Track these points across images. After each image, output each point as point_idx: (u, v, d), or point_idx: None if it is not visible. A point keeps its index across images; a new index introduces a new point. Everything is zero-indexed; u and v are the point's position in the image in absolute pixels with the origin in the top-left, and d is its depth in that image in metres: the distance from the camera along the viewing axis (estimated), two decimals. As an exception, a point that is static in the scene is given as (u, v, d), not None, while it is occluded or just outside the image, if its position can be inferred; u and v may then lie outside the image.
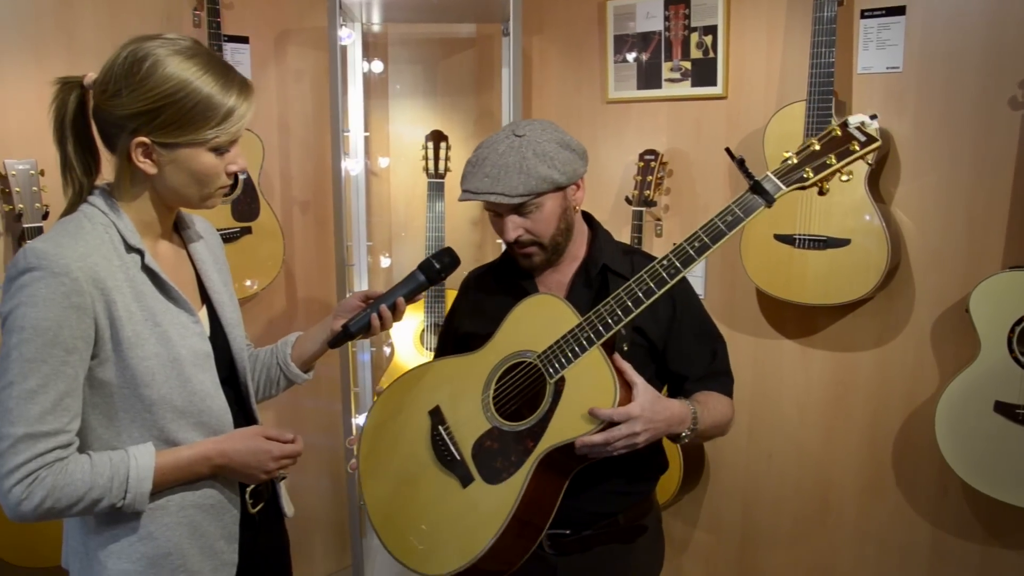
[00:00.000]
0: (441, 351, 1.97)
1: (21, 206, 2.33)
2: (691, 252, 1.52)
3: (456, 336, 1.89)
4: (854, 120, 1.50)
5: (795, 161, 1.52)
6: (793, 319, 2.63)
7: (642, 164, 2.78)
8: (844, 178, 1.52)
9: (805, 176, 1.50)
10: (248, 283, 2.92)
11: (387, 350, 3.30)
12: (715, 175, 2.77)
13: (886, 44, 2.36)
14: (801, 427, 2.66)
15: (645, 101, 2.90)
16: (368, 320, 1.64)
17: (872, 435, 2.51)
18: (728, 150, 1.59)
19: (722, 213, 1.52)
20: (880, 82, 2.38)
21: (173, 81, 1.33)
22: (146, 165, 1.37)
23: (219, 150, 1.39)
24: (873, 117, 1.51)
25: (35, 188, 2.35)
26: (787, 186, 1.51)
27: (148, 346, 1.38)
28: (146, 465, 1.37)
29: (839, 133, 1.50)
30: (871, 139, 1.49)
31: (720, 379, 1.76)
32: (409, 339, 3.10)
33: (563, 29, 3.13)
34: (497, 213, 1.69)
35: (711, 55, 2.69)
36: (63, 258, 1.30)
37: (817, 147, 1.51)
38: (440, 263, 1.69)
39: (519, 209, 1.65)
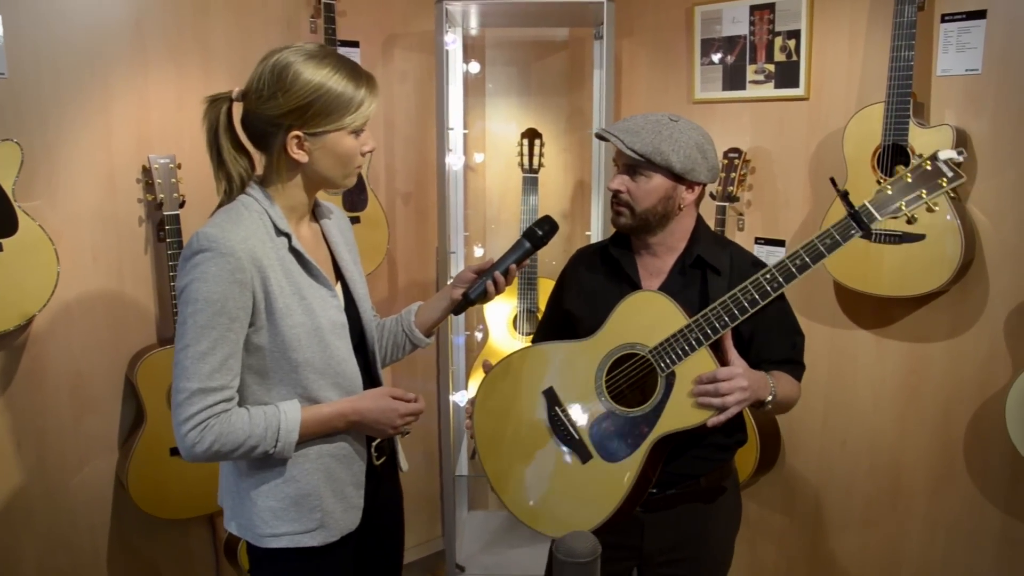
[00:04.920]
0: (546, 317, 2.20)
1: (161, 196, 2.62)
2: (792, 269, 1.71)
3: (559, 308, 2.10)
4: (944, 155, 1.64)
5: (890, 192, 1.67)
6: (869, 310, 2.74)
7: (726, 161, 2.93)
8: (933, 209, 1.67)
9: (899, 208, 1.66)
10: (354, 268, 3.17)
11: (479, 335, 3.53)
12: (796, 172, 2.90)
13: (965, 47, 2.46)
14: (875, 415, 2.77)
15: (730, 102, 3.04)
16: (485, 287, 1.86)
17: (944, 424, 2.61)
18: (833, 180, 1.76)
19: (821, 236, 1.69)
20: (959, 83, 2.47)
21: (315, 81, 1.58)
22: (299, 155, 1.62)
23: (356, 133, 1.64)
24: (960, 153, 1.65)
25: (173, 180, 2.63)
26: (883, 217, 1.67)
27: (295, 316, 1.62)
28: (294, 419, 1.61)
29: (929, 167, 1.65)
30: (958, 175, 1.64)
31: (793, 366, 1.95)
32: (503, 323, 3.32)
33: (652, 33, 3.29)
34: (617, 166, 1.91)
35: (794, 58, 2.82)
36: (228, 241, 1.55)
37: (909, 179, 1.66)
38: (542, 229, 1.89)
39: (631, 169, 1.86)
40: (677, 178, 1.85)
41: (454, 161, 3.24)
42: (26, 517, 2.59)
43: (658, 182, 1.84)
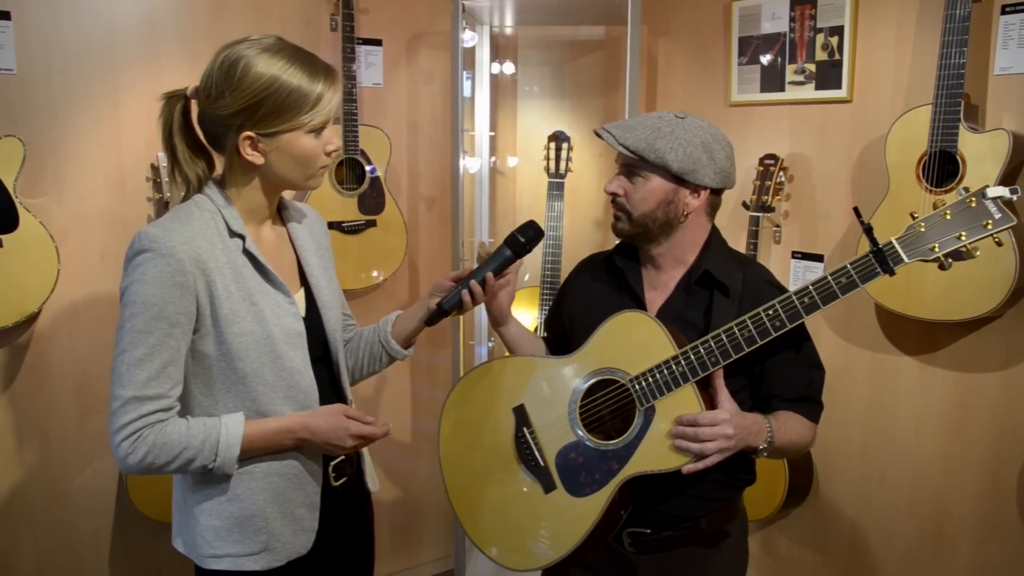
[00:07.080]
0: (548, 321, 2.04)
1: (169, 194, 2.57)
2: (799, 308, 1.53)
3: (559, 313, 1.95)
4: (992, 192, 1.44)
5: (922, 229, 1.47)
6: (913, 335, 2.49)
7: (761, 169, 2.72)
8: (973, 255, 1.46)
9: (931, 249, 1.46)
10: (375, 273, 3.07)
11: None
12: (837, 182, 2.66)
13: (1028, 43, 2.20)
14: (917, 449, 2.52)
15: (768, 104, 2.83)
16: (459, 297, 1.71)
17: (995, 463, 2.35)
18: (856, 210, 1.56)
19: (837, 273, 1.51)
20: (1020, 83, 2.22)
21: (266, 77, 1.47)
22: (254, 157, 1.51)
23: (316, 132, 1.52)
24: (1014, 191, 1.43)
25: (183, 179, 2.58)
26: (911, 259, 1.48)
27: (244, 323, 1.51)
28: (235, 432, 1.50)
29: (973, 204, 1.45)
30: (1007, 217, 1.43)
31: (809, 405, 1.74)
32: (522, 335, 3.17)
33: (689, 31, 3.10)
34: (617, 167, 1.75)
35: (837, 57, 2.59)
36: (170, 241, 1.45)
37: (948, 217, 1.46)
38: (525, 236, 1.73)
39: (629, 170, 1.69)
40: (677, 180, 1.66)
41: (472, 164, 3.11)
42: (27, 517, 2.57)
43: (656, 184, 1.67)
